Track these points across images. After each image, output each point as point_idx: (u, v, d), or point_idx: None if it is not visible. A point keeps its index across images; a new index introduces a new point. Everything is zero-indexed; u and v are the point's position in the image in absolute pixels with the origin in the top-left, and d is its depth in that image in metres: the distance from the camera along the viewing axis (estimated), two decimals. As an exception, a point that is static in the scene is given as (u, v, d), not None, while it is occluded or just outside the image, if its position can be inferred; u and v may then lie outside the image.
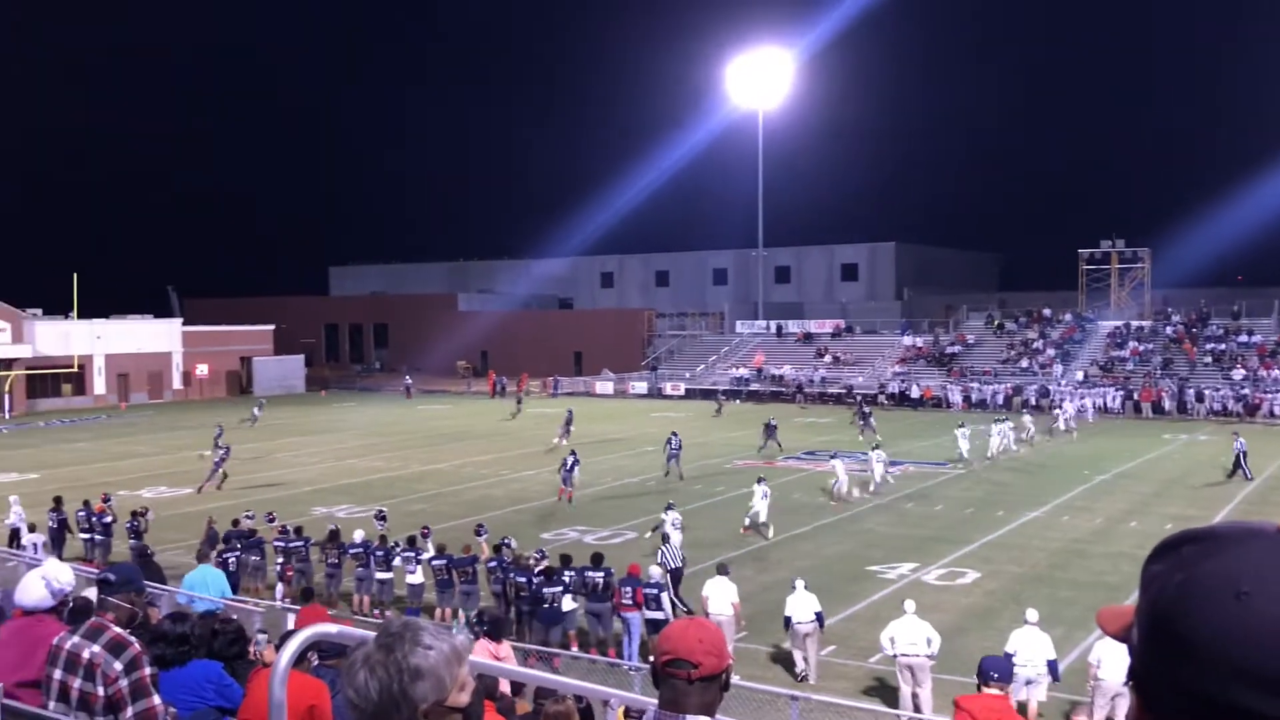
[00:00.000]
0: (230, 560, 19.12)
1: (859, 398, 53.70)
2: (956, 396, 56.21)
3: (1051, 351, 60.56)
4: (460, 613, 17.44)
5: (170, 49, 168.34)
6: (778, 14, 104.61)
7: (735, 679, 3.13)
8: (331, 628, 2.79)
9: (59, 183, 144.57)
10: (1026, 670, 13.35)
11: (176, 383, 70.18)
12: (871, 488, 30.12)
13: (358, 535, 19.94)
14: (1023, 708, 13.49)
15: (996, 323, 66.69)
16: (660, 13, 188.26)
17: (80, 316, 64.26)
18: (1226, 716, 1.02)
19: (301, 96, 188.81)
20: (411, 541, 19.92)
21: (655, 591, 16.28)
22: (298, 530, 20.44)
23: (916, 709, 13.56)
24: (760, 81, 73.25)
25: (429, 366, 78.90)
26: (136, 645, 4.75)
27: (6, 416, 57.83)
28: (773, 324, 72.95)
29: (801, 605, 15.58)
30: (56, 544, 22.42)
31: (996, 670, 8.84)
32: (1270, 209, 71.01)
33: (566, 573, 16.86)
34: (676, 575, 18.58)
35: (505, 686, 8.42)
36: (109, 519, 22.92)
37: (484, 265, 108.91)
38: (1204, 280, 71.68)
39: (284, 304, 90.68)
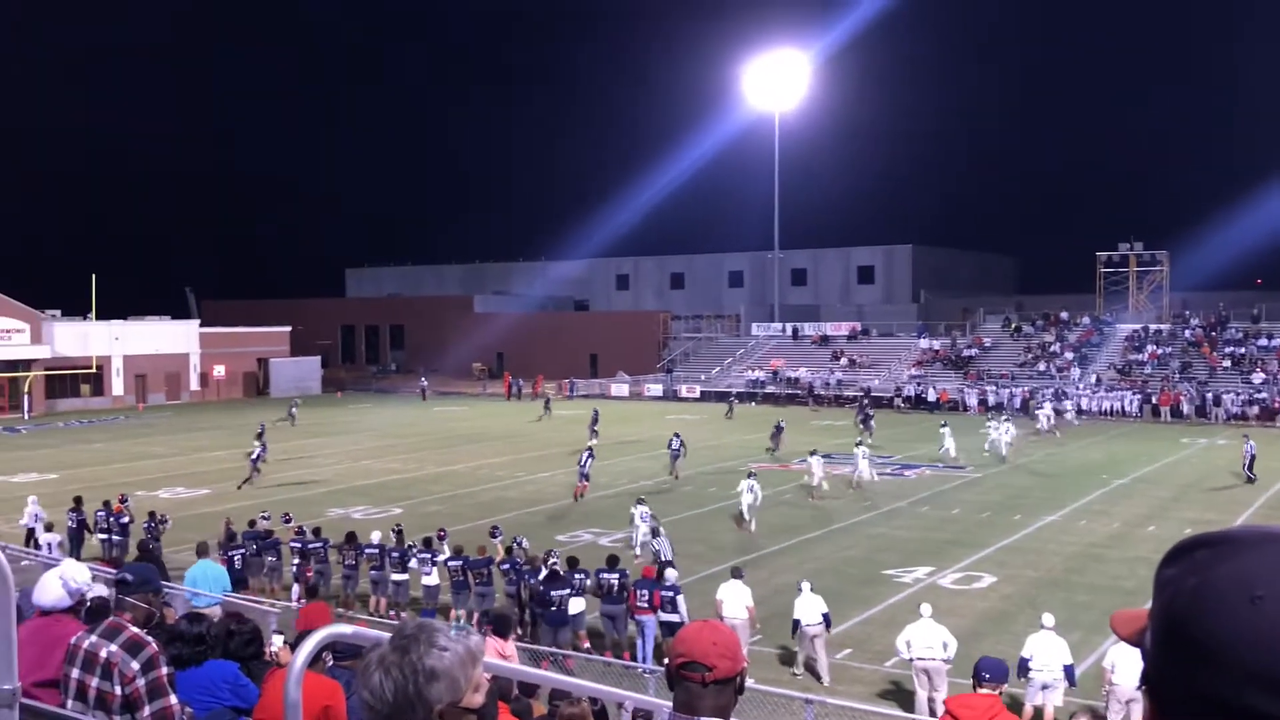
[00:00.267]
0: (235, 558, 19.25)
1: (863, 399, 53.77)
2: (973, 400, 56.07)
3: (1069, 355, 60.32)
4: (473, 614, 17.46)
5: (180, 48, 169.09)
6: (794, 16, 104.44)
7: (750, 682, 3.12)
8: (347, 628, 2.79)
9: (79, 185, 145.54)
10: (1043, 675, 13.31)
11: (194, 384, 70.57)
12: (855, 482, 30.80)
13: (374, 536, 20.01)
14: (1039, 713, 13.45)
15: (1014, 326, 66.42)
16: (677, 15, 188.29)
17: (98, 318, 64.72)
18: (1240, 720, 1.02)
19: (321, 99, 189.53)
20: (428, 543, 19.96)
21: (672, 594, 16.28)
22: (316, 531, 20.52)
23: (932, 713, 13.51)
24: (777, 84, 73.12)
25: (445, 368, 79.07)
26: (154, 645, 4.78)
27: (25, 417, 58.26)
28: (788, 326, 72.82)
29: (809, 607, 15.58)
30: (75, 544, 22.63)
31: (989, 671, 8.81)
32: (1290, 212, 70.63)
33: (576, 575, 16.86)
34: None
35: (515, 687, 8.42)
36: (126, 519, 23.10)
37: (500, 267, 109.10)
38: (1223, 283, 71.08)
39: (301, 306, 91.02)
